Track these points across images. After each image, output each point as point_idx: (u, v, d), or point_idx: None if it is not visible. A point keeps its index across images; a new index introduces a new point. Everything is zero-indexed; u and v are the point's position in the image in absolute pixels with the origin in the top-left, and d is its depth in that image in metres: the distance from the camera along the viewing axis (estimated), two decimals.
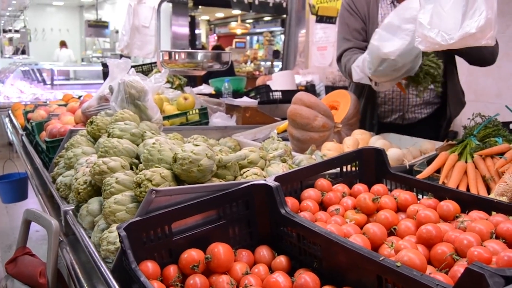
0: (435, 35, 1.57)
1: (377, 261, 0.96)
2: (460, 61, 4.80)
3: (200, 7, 11.47)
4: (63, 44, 15.31)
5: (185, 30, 8.18)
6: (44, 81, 7.99)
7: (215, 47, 10.41)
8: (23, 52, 13.17)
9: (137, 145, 1.73)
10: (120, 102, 2.18)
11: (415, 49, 1.91)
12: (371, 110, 2.63)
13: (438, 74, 2.19)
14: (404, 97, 2.56)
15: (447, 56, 2.51)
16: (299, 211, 1.38)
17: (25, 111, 3.64)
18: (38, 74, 8.19)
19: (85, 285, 1.34)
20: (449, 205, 1.27)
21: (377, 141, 2.08)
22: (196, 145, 1.39)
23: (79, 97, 4.05)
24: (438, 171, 1.79)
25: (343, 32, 2.61)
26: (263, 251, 1.27)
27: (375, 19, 2.52)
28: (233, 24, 15.60)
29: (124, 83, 2.16)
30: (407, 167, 1.92)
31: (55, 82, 7.99)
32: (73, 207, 1.68)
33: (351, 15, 2.57)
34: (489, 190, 1.64)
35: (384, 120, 2.67)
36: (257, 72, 12.48)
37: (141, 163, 1.54)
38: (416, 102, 2.60)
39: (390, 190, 1.50)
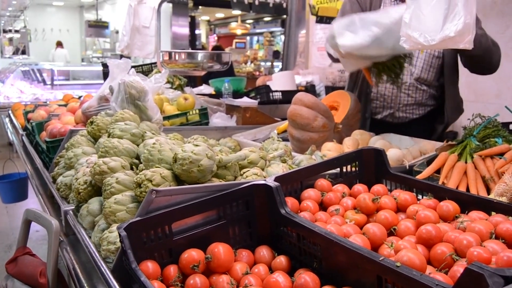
0: (418, 36, 1.61)
1: (377, 261, 0.97)
2: (459, 62, 4.80)
3: (200, 7, 11.49)
4: (58, 44, 15.31)
5: (185, 31, 8.19)
6: (44, 81, 8.00)
7: (215, 48, 10.41)
8: (23, 52, 13.18)
9: (138, 145, 1.73)
10: (120, 102, 2.19)
11: (371, 50, 2.00)
12: (364, 104, 2.66)
13: (398, 74, 2.23)
14: (396, 95, 2.57)
15: (450, 60, 2.52)
16: (299, 211, 1.39)
17: (25, 111, 3.64)
18: (38, 74, 8.21)
19: (85, 285, 1.34)
20: (448, 206, 1.27)
21: (377, 142, 2.09)
22: (196, 145, 1.40)
23: (79, 97, 4.05)
24: (438, 171, 1.80)
25: (341, 15, 2.61)
26: (263, 251, 1.27)
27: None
28: (233, 24, 15.60)
29: (124, 83, 2.17)
30: (407, 167, 1.92)
31: (55, 82, 8.01)
32: (73, 207, 1.68)
33: (352, 3, 2.60)
34: (488, 191, 1.65)
35: (375, 116, 2.70)
36: (257, 73, 12.48)
37: (141, 163, 1.54)
38: (408, 102, 2.61)
39: (390, 191, 1.51)
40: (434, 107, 2.65)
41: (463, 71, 4.89)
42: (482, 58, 2.31)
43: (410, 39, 1.66)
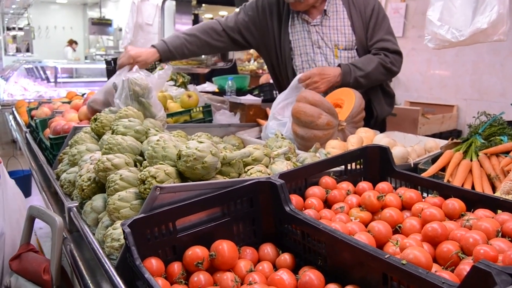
0: (445, 33, 1.56)
1: (383, 259, 0.96)
2: (464, 60, 4.79)
3: (203, 5, 11.45)
4: (69, 42, 15.35)
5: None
6: (47, 79, 8.00)
7: None
8: (27, 50, 13.20)
9: (141, 142, 1.73)
10: (124, 99, 2.18)
11: None
12: None
13: None
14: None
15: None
16: (303, 209, 1.38)
17: (29, 108, 3.64)
18: (41, 72, 8.21)
19: (88, 281, 1.33)
20: (454, 203, 1.26)
21: (381, 139, 2.07)
22: (201, 142, 1.39)
23: (83, 94, 4.06)
24: (443, 169, 1.79)
25: (236, 14, 2.89)
26: (267, 249, 1.27)
27: (285, 36, 2.71)
28: (224, 18, 15.55)
29: (128, 80, 2.16)
30: (412, 165, 1.91)
31: (58, 80, 8.00)
32: (77, 204, 1.68)
33: (252, 11, 2.80)
34: (494, 189, 1.64)
35: None
36: (260, 71, 12.44)
37: (145, 160, 1.54)
38: None
39: (395, 188, 1.50)
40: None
41: (467, 70, 4.87)
42: (373, 84, 2.63)
43: (435, 37, 1.61)
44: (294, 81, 2.48)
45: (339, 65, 2.53)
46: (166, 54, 2.71)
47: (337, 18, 2.60)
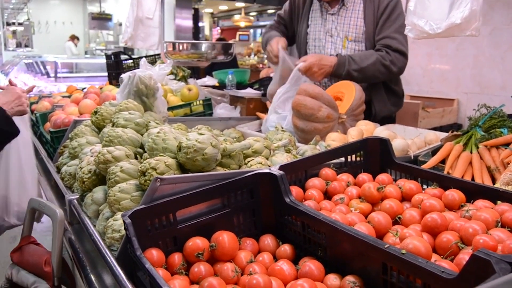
0: (423, 24, 1.60)
1: (382, 249, 0.96)
2: (464, 54, 4.78)
3: None
4: (71, 37, 15.30)
5: (189, 23, 8.15)
6: (48, 74, 8.00)
7: (218, 40, 10.37)
8: (27, 45, 13.17)
9: (142, 135, 1.73)
10: (127, 94, 2.17)
11: None
12: None
13: None
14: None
15: None
16: (303, 200, 1.38)
17: (29, 102, 3.64)
18: (42, 67, 8.20)
19: (89, 273, 1.34)
20: (454, 194, 1.27)
21: (382, 132, 2.08)
22: (201, 134, 1.39)
23: (83, 89, 4.05)
24: (443, 161, 1.79)
25: (278, 15, 3.12)
26: (268, 240, 1.27)
27: (305, 21, 2.85)
28: (236, 17, 15.53)
29: (135, 77, 2.14)
30: (412, 157, 1.91)
31: (58, 75, 8.00)
32: (77, 196, 1.68)
33: (289, 6, 3.00)
34: (494, 181, 1.64)
35: None
36: (261, 65, 12.43)
37: (145, 152, 1.54)
38: None
39: (395, 180, 1.50)
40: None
41: (468, 64, 4.85)
42: (369, 81, 2.63)
43: (415, 28, 1.66)
44: (295, 71, 2.49)
45: (337, 55, 2.55)
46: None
47: (353, 10, 2.63)
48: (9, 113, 1.89)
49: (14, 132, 1.88)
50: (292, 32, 3.02)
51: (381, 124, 2.47)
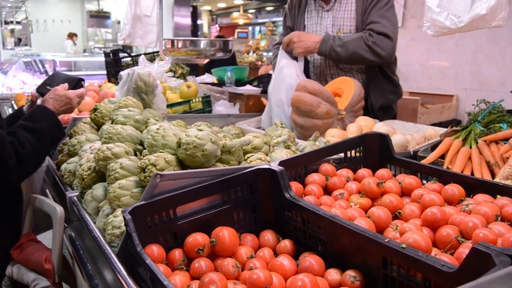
0: (444, 19, 1.56)
1: (382, 243, 0.97)
2: (463, 50, 4.77)
3: None
4: (69, 35, 15.27)
5: (187, 21, 8.13)
6: (46, 72, 7.97)
7: (217, 37, 10.36)
8: (25, 44, 13.13)
9: (141, 132, 1.73)
10: (126, 91, 2.17)
11: None
12: None
13: None
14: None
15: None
16: (303, 196, 1.38)
17: (27, 101, 3.63)
18: (40, 65, 8.18)
19: (90, 269, 1.34)
20: (453, 189, 1.27)
21: (381, 128, 2.08)
22: (200, 130, 1.39)
23: None
24: (442, 157, 1.79)
25: (283, 25, 3.09)
26: (268, 236, 1.27)
27: (302, 21, 2.84)
28: (235, 14, 15.49)
29: (134, 74, 2.14)
30: (411, 153, 1.91)
31: None
32: (77, 193, 1.68)
33: (289, 10, 2.97)
34: (493, 176, 1.64)
35: None
36: (259, 63, 12.43)
37: (145, 149, 1.54)
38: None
39: (395, 175, 1.50)
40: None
41: (467, 60, 4.85)
42: (354, 60, 2.56)
43: (435, 24, 1.61)
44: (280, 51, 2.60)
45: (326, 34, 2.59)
46: None
47: (346, 3, 2.64)
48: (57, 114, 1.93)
49: (63, 135, 1.92)
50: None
51: (380, 116, 2.47)
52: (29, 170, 1.74)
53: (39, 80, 7.19)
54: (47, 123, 1.81)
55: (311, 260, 1.09)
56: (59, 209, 1.59)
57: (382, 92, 2.69)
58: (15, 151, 1.60)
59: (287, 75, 2.46)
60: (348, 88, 2.35)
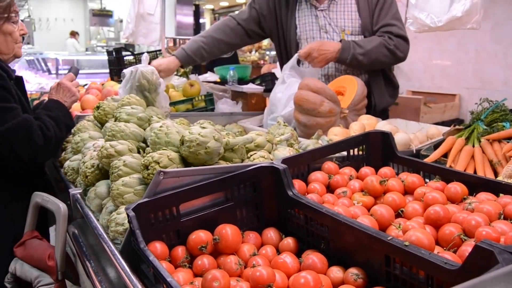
0: (425, 17, 1.60)
1: (385, 241, 0.97)
2: (466, 49, 4.76)
3: None
4: (71, 34, 15.30)
5: (190, 20, 8.16)
6: (49, 71, 7.99)
7: None
8: (28, 42, 13.16)
9: (144, 129, 1.73)
10: (129, 89, 2.17)
11: None
12: None
13: None
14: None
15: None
16: (306, 194, 1.38)
17: (31, 99, 3.65)
18: (43, 64, 8.20)
19: (93, 266, 1.35)
20: (456, 187, 1.27)
21: (384, 126, 2.07)
22: (204, 127, 1.39)
23: (84, 85, 4.06)
24: (445, 155, 1.79)
25: (248, 5, 2.99)
26: (271, 233, 1.27)
27: (292, 21, 2.73)
28: (237, 13, 15.48)
29: (137, 72, 2.14)
30: (414, 151, 1.91)
31: (60, 72, 8.00)
32: (80, 191, 1.69)
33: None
34: (496, 175, 1.64)
35: None
36: (262, 61, 12.42)
37: (148, 146, 1.54)
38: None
39: (397, 174, 1.50)
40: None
41: (470, 59, 4.84)
42: (374, 66, 2.57)
43: (416, 21, 1.66)
44: (294, 58, 2.50)
45: (341, 40, 2.52)
46: (186, 59, 2.77)
47: (345, 3, 2.59)
48: (67, 106, 2.10)
49: (73, 125, 2.08)
50: (268, 30, 2.91)
51: (380, 117, 2.46)
52: (52, 152, 1.91)
53: (41, 78, 7.21)
54: (61, 112, 2.00)
55: (314, 257, 1.09)
56: (63, 206, 1.59)
57: (383, 95, 2.68)
58: (42, 133, 1.80)
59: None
60: (350, 87, 2.35)
